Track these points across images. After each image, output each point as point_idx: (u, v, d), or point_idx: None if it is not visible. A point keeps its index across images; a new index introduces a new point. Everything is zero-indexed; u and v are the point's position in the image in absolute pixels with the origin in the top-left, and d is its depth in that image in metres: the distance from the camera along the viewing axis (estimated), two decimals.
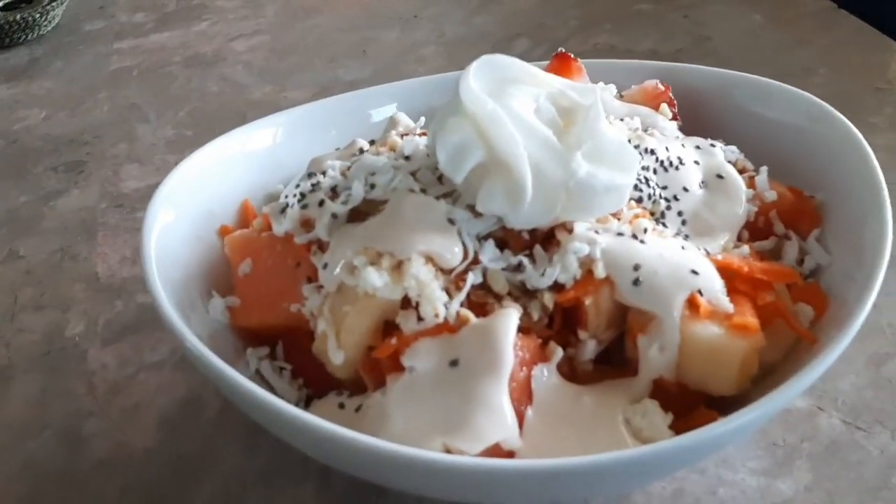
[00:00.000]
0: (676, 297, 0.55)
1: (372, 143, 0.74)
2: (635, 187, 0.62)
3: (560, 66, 0.79)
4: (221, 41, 1.46)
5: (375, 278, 0.55)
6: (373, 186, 0.61)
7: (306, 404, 0.62)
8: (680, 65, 0.82)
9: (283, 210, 0.64)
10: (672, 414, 0.55)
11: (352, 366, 0.58)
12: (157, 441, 0.73)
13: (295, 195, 0.63)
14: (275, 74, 1.33)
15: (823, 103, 0.71)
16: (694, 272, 0.56)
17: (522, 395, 0.54)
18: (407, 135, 0.73)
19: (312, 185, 0.63)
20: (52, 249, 0.98)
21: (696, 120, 0.77)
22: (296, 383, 0.62)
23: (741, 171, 0.68)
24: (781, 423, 0.70)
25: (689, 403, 0.57)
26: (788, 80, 0.81)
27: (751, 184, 0.67)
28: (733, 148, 0.71)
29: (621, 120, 0.71)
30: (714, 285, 0.57)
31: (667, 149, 0.66)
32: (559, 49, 0.80)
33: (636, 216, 0.60)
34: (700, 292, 0.56)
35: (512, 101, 0.58)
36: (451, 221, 0.58)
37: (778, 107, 0.74)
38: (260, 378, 0.63)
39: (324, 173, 0.66)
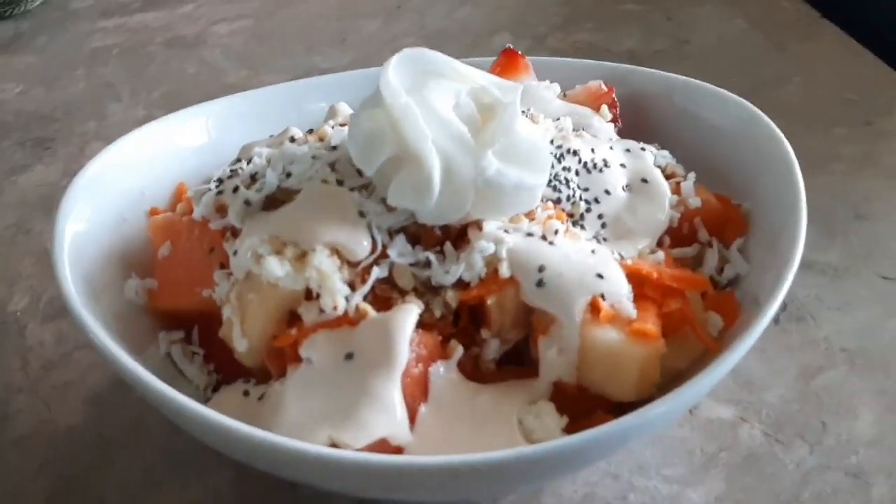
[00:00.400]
0: (578, 300, 0.55)
1: (311, 131, 0.74)
2: (554, 188, 0.62)
3: (507, 62, 0.78)
4: (204, 24, 1.45)
5: (276, 268, 0.55)
6: (289, 175, 0.61)
7: (215, 389, 0.62)
8: (626, 66, 0.81)
9: (207, 193, 0.64)
10: (568, 417, 0.55)
11: (257, 353, 0.58)
12: (82, 420, 0.73)
13: (214, 184, 0.63)
14: (253, 59, 1.33)
15: (753, 108, 0.71)
16: (599, 276, 0.56)
17: (417, 391, 0.54)
18: (345, 125, 0.73)
19: (231, 170, 0.63)
20: (7, 224, 0.98)
21: (638, 122, 0.77)
22: (206, 368, 0.63)
23: (669, 176, 0.68)
24: (702, 431, 0.69)
25: (589, 407, 0.56)
26: (761, 87, 0.80)
27: (677, 189, 0.66)
28: (665, 153, 0.70)
29: (557, 119, 0.70)
30: (619, 290, 0.56)
31: (592, 150, 0.66)
32: (507, 45, 0.79)
33: (550, 217, 0.59)
34: (603, 296, 0.55)
35: (430, 95, 0.58)
36: (362, 214, 0.58)
37: (714, 111, 0.73)
38: (171, 362, 0.63)
39: (249, 160, 0.66)
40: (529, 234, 0.58)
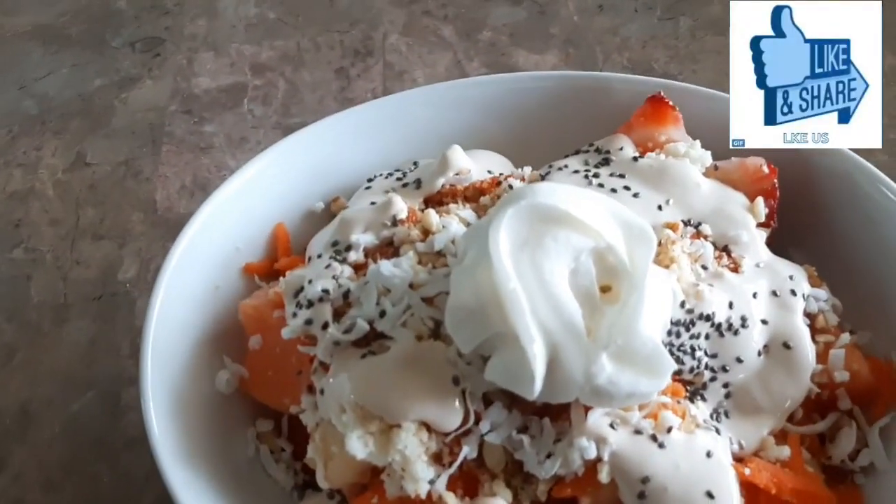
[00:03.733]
0: None
1: (418, 185, 0.67)
2: (678, 360, 0.54)
3: (653, 112, 0.67)
4: None
5: (359, 448, 0.52)
6: (383, 314, 0.55)
7: (301, 490, 0.62)
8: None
9: (297, 293, 0.59)
10: None
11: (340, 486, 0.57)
12: None
13: (305, 301, 0.58)
14: None
15: None
16: (709, 495, 0.50)
17: None
18: (453, 188, 0.65)
19: (323, 291, 0.57)
20: (118, 160, 0.96)
21: (800, 202, 0.65)
22: (293, 468, 0.62)
23: (820, 331, 0.58)
24: None
25: None
26: None
27: (824, 355, 0.57)
28: (820, 293, 0.60)
29: (696, 229, 0.60)
30: None
31: (731, 305, 0.57)
32: (658, 91, 0.67)
33: (664, 405, 0.53)
34: None
35: (545, 261, 0.50)
36: (456, 380, 0.53)
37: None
38: (259, 458, 0.62)
39: (347, 247, 0.61)
40: (638, 432, 0.52)
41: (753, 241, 0.61)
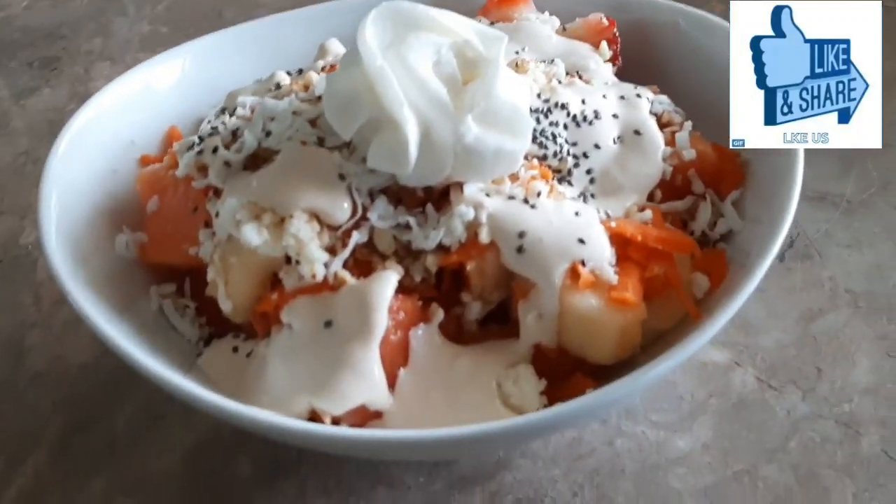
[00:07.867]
0: (557, 267, 0.54)
1: (300, 72, 0.72)
2: (540, 145, 0.60)
3: None
4: None
5: (254, 236, 0.55)
6: (268, 134, 0.59)
7: (206, 343, 0.63)
8: None
9: (191, 148, 0.63)
10: (546, 380, 0.56)
11: (242, 312, 0.59)
12: (92, 357, 0.75)
13: (197, 142, 0.62)
14: None
15: None
16: (581, 241, 0.55)
17: (396, 356, 0.55)
18: (333, 67, 0.71)
19: (213, 128, 0.62)
20: (18, 152, 0.99)
21: (641, 55, 0.73)
22: (197, 322, 0.64)
23: (666, 125, 0.65)
24: (694, 376, 0.69)
25: (569, 368, 0.57)
26: None
27: (671, 140, 0.63)
28: (663, 98, 0.67)
29: (550, 62, 0.67)
30: (601, 255, 0.55)
31: (583, 101, 0.63)
32: None
33: (533, 178, 0.58)
34: (584, 262, 0.55)
35: (409, 53, 0.56)
36: (342, 176, 0.57)
37: (718, 44, 0.68)
38: (163, 316, 0.64)
39: (234, 110, 0.65)
40: (511, 198, 0.57)
41: (600, 68, 0.68)
